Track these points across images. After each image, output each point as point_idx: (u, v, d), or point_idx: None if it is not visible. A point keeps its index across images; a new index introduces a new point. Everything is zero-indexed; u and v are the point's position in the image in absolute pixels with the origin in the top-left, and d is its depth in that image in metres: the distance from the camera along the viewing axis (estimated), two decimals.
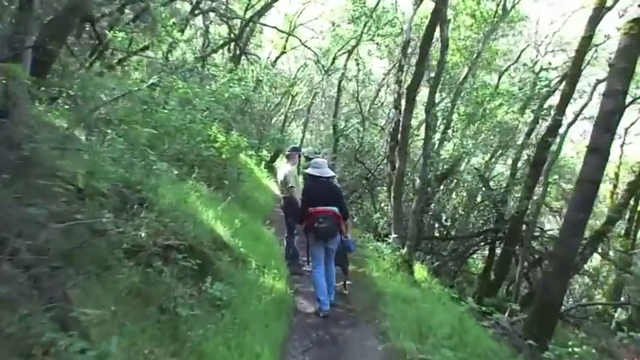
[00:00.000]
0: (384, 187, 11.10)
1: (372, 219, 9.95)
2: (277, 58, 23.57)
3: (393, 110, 10.92)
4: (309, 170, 5.50)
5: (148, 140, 6.17)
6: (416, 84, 8.09)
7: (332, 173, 5.62)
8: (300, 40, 19.55)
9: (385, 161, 10.65)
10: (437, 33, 7.99)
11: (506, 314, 6.70)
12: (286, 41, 22.17)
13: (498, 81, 10.30)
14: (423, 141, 8.57)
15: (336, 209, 5.08)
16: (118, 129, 5.74)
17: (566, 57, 10.37)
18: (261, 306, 4.97)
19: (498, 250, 9.18)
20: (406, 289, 6.38)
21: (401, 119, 9.52)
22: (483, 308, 4.91)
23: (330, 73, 23.32)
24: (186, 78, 7.74)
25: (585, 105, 10.02)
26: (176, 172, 9.46)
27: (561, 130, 8.38)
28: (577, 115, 9.67)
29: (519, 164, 9.27)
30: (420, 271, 7.49)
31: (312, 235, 5.12)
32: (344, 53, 18.21)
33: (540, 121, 7.97)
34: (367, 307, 5.66)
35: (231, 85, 9.32)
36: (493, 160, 9.55)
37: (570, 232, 5.32)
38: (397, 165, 8.69)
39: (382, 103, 13.04)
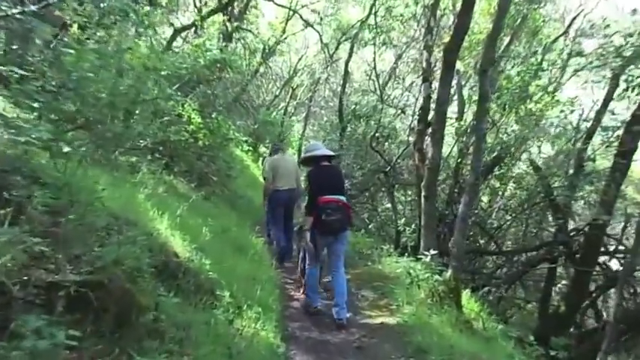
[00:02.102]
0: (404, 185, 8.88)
1: (393, 226, 7.72)
2: (277, 43, 21.40)
3: (417, 88, 8.71)
4: (310, 153, 4.70)
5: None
6: (459, 41, 5.88)
7: (331, 152, 4.90)
8: (303, 17, 17.41)
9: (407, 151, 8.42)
10: None
11: None
12: (285, 24, 20.04)
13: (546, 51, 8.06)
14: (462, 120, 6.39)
15: (344, 198, 4.40)
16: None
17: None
18: None
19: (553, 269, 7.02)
20: (458, 337, 4.16)
21: (433, 93, 7.29)
22: None
23: (335, 60, 21.34)
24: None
25: None
26: (131, 162, 7.24)
27: None
28: None
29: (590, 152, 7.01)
30: (470, 302, 5.26)
31: (319, 229, 4.36)
32: (348, 39, 16.20)
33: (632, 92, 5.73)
34: None
35: (207, 49, 7.10)
36: (554, 149, 7.32)
37: None
38: (430, 154, 6.47)
39: (402, 79, 10.62)
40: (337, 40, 18.53)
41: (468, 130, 8.12)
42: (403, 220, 6.56)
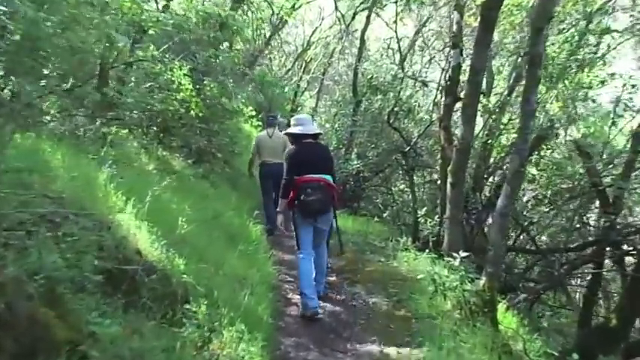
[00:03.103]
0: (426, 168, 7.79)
1: (411, 215, 6.70)
2: (291, 8, 20.05)
3: (443, 57, 7.57)
4: (291, 129, 4.47)
5: None
6: None
7: (318, 129, 4.73)
8: None
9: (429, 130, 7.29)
10: None
11: None
12: None
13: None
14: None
15: (328, 178, 4.16)
16: None
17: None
18: None
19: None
20: None
21: (464, 62, 6.19)
22: None
23: (351, 31, 20.02)
24: None
25: None
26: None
27: None
28: None
29: None
30: (506, 317, 4.30)
31: (298, 211, 4.12)
32: (365, 9, 14.89)
33: None
34: None
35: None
36: (605, 127, 6.19)
37: None
38: (460, 133, 5.43)
39: (425, 48, 9.33)
40: (354, 9, 17.22)
41: (497, 108, 7.02)
42: (424, 209, 5.57)
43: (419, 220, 6.46)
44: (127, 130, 7.93)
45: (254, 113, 17.83)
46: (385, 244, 6.44)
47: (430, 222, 5.54)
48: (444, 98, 6.39)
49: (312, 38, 25.58)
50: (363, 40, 13.03)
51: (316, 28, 25.39)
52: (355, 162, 8.63)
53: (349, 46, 20.46)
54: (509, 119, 6.37)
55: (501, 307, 4.42)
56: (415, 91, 8.66)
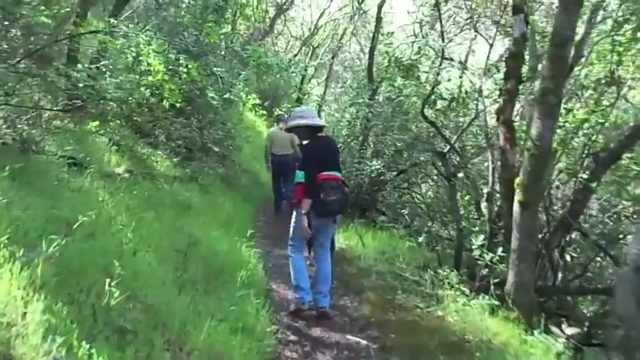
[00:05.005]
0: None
1: (456, 240, 5.00)
2: None
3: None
4: (302, 121, 3.97)
5: None
6: None
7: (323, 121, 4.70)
8: None
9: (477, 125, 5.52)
10: None
11: None
12: None
13: None
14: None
15: (340, 175, 3.94)
16: None
17: None
18: None
19: None
20: None
21: (528, 30, 4.53)
22: None
23: (364, 11, 18.21)
24: None
25: None
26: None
27: None
28: None
29: None
30: None
31: (315, 210, 3.77)
32: None
33: None
34: None
35: None
36: None
37: None
38: (535, 131, 3.81)
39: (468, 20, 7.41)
40: None
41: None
42: (481, 237, 3.91)
43: (465, 245, 4.84)
44: (96, 123, 6.37)
45: (258, 101, 15.95)
46: (420, 276, 4.84)
47: (486, 254, 3.88)
48: (504, 82, 4.66)
49: (320, 22, 23.89)
50: (379, 17, 11.28)
51: (324, 10, 23.68)
52: (375, 164, 6.98)
53: (362, 28, 18.64)
54: (593, 110, 4.66)
55: None
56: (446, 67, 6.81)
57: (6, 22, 4.25)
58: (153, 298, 3.05)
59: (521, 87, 4.70)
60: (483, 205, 5.87)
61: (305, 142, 4.08)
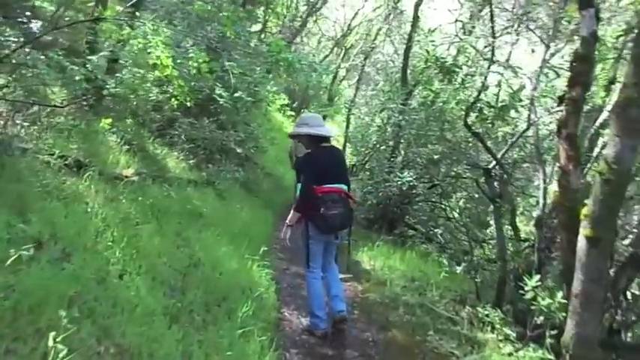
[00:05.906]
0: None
1: (499, 271, 4.26)
2: None
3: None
4: (307, 130, 3.82)
5: None
6: None
7: (333, 131, 4.24)
8: None
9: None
10: None
11: None
12: None
13: None
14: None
15: (345, 187, 3.76)
16: None
17: None
18: None
19: None
20: None
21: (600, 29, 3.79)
22: None
23: (399, 11, 17.46)
24: None
25: None
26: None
27: None
28: None
29: None
30: None
31: (315, 225, 3.67)
32: None
33: None
34: None
35: None
36: None
37: None
38: (613, 151, 3.08)
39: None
40: None
41: None
42: (537, 277, 3.20)
43: (508, 275, 4.12)
44: (109, 120, 5.93)
45: (286, 102, 15.32)
46: (456, 312, 4.16)
47: (534, 287, 3.18)
48: (569, 88, 3.94)
49: (354, 22, 23.30)
50: (416, 17, 10.57)
51: (358, 10, 23.06)
52: (407, 175, 6.29)
53: (396, 28, 17.84)
54: None
55: None
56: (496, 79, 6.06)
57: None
58: (133, 336, 2.51)
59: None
60: (526, 227, 5.13)
61: (307, 152, 3.90)
